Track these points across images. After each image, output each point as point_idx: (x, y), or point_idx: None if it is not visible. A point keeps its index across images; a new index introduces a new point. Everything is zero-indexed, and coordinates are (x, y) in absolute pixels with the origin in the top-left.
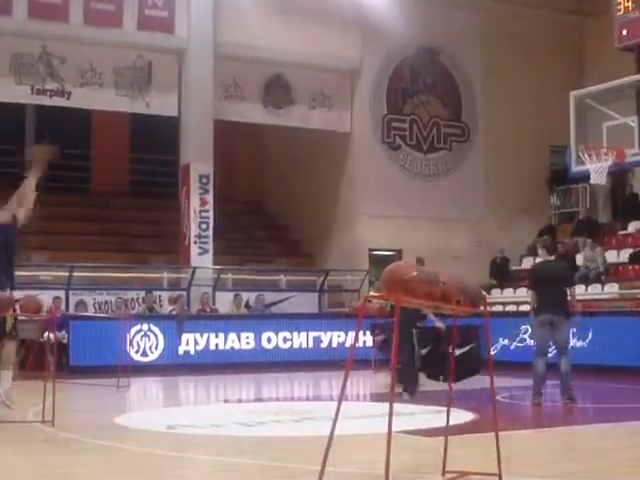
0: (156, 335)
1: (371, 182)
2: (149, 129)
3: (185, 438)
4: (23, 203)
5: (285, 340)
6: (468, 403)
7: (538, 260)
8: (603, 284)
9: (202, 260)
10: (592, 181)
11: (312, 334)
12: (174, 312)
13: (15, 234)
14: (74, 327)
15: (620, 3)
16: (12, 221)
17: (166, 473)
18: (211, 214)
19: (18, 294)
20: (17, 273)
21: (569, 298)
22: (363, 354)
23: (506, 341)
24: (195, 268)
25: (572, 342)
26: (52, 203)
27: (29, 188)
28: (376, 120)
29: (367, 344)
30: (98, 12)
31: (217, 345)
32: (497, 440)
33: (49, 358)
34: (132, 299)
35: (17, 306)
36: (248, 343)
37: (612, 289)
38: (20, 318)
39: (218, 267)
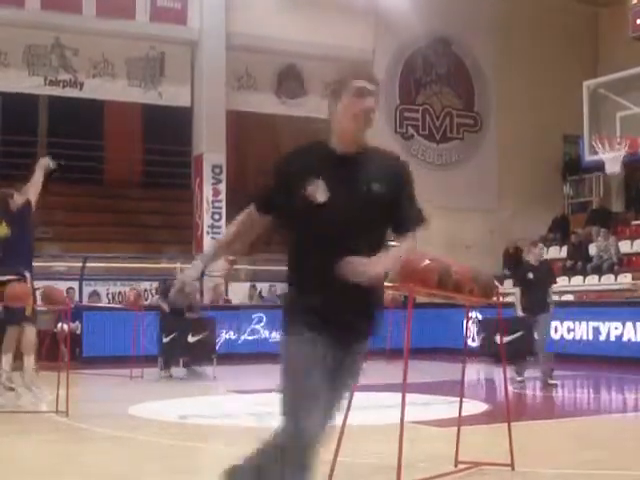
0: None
1: None
2: (162, 120)
3: (198, 428)
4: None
5: None
6: (481, 394)
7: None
8: (616, 274)
9: None
10: (606, 171)
11: None
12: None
13: (31, 218)
14: (87, 318)
15: None
16: (27, 204)
17: (179, 463)
18: (224, 204)
19: (36, 284)
20: None
21: None
22: (376, 344)
23: None
24: None
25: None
26: (65, 194)
27: (38, 177)
28: (389, 110)
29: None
30: (111, 3)
31: (231, 335)
32: (509, 430)
33: (62, 349)
34: (145, 289)
35: (38, 295)
36: (262, 333)
37: (625, 279)
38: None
39: (231, 257)
